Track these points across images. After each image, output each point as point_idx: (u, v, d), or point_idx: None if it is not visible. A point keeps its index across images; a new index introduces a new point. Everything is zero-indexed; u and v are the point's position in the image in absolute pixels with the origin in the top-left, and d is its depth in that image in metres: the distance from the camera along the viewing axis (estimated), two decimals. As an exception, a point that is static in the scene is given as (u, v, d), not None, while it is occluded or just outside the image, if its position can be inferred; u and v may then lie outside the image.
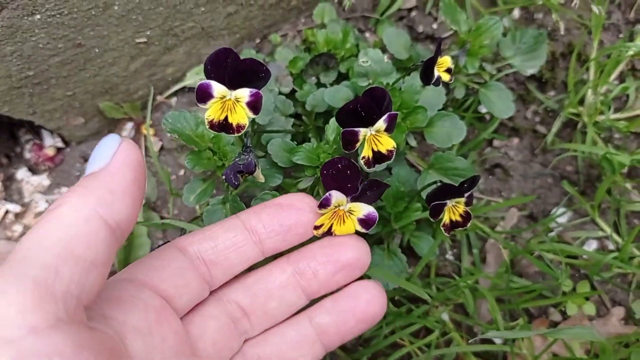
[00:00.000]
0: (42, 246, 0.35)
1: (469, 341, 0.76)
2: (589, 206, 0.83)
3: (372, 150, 0.57)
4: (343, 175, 0.52)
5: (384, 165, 0.66)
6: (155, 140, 0.89)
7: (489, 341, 0.78)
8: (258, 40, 0.90)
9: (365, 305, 0.53)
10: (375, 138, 0.56)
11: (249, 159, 0.59)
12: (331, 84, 0.78)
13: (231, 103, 0.52)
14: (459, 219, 0.59)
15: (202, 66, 0.88)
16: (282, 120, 0.75)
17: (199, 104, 0.51)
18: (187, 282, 0.49)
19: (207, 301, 0.52)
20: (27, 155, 0.90)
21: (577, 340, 0.79)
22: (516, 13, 0.90)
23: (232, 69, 0.50)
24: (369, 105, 0.53)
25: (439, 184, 0.59)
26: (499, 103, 0.76)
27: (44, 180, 0.88)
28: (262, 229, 0.53)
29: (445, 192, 0.56)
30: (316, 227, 0.55)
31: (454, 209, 0.58)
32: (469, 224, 0.59)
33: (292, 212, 0.53)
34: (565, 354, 0.77)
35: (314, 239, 0.55)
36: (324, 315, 0.54)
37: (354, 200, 0.55)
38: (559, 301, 0.78)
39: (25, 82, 0.74)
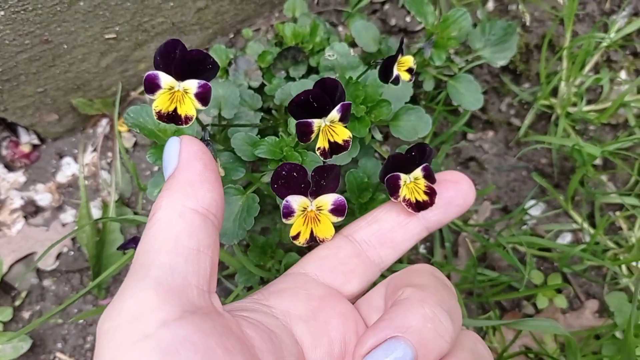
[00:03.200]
0: (153, 249, 0.39)
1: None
2: (561, 198, 0.82)
3: (328, 141, 0.57)
4: (291, 179, 0.52)
5: (345, 157, 0.66)
6: (129, 136, 0.89)
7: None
8: (232, 35, 0.90)
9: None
10: (331, 129, 0.56)
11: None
12: (300, 78, 0.78)
13: (180, 94, 0.52)
14: (424, 197, 0.58)
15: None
16: (250, 115, 0.75)
17: (147, 95, 0.51)
18: (354, 268, 0.52)
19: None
20: (4, 152, 0.90)
21: (547, 333, 0.78)
22: (490, 5, 0.90)
23: (179, 60, 0.50)
24: (320, 96, 0.53)
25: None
26: (468, 95, 0.75)
27: (19, 177, 0.89)
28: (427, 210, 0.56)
29: (395, 163, 0.56)
30: (294, 238, 0.55)
31: (415, 187, 0.57)
32: (435, 200, 0.57)
33: (450, 185, 0.57)
34: (536, 345, 0.77)
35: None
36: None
37: (314, 196, 0.55)
38: (530, 294, 0.78)
39: (-6, 79, 0.74)
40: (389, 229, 0.56)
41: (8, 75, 0.75)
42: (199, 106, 0.53)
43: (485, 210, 0.84)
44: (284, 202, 0.54)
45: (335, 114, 0.56)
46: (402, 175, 0.58)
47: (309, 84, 0.73)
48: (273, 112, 0.80)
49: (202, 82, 0.52)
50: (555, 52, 0.87)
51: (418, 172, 0.59)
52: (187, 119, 0.52)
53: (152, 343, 0.34)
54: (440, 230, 0.83)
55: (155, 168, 0.88)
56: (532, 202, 0.84)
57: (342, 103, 0.56)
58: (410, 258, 0.82)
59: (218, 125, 0.71)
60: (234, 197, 0.62)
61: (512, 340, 0.73)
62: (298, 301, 0.48)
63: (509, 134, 0.88)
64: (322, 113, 0.55)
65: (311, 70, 0.80)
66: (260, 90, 0.78)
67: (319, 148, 0.57)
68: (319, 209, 0.56)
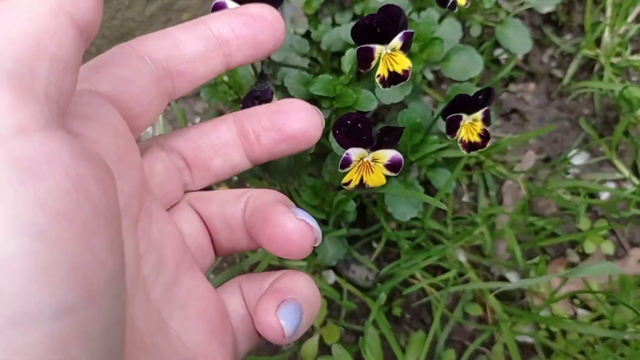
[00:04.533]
0: (9, 38, 0.28)
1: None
2: (606, 146, 0.82)
3: (388, 70, 0.57)
4: (355, 130, 0.53)
5: (399, 95, 0.67)
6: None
7: (507, 280, 0.78)
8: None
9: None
10: (391, 57, 0.57)
11: (266, 86, 0.59)
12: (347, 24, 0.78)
13: None
14: (477, 139, 0.59)
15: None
16: (298, 60, 0.75)
17: None
18: (151, 100, 0.42)
19: (151, 145, 0.46)
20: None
21: (595, 280, 0.78)
22: (532, -43, 0.90)
23: None
24: (385, 21, 0.53)
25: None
26: (516, 39, 0.75)
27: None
28: (234, 38, 0.45)
29: (460, 103, 0.56)
30: (345, 184, 0.55)
31: (471, 128, 0.58)
32: (487, 144, 0.58)
33: (265, 24, 0.46)
34: (583, 292, 0.77)
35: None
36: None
37: (373, 150, 0.55)
38: (577, 239, 0.78)
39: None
40: (192, 58, 0.44)
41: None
42: None
43: (528, 159, 0.84)
44: (344, 154, 0.54)
45: (397, 41, 0.56)
46: (464, 116, 0.58)
47: (358, 26, 0.73)
48: (318, 59, 0.80)
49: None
50: (598, 2, 0.86)
51: (478, 114, 0.59)
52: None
53: (4, 151, 0.25)
54: (484, 178, 0.83)
55: (197, 119, 0.88)
56: (575, 151, 0.84)
57: (404, 31, 0.56)
58: (454, 207, 0.82)
59: (269, 65, 0.71)
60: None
61: (559, 286, 0.73)
62: (105, 135, 0.37)
63: (550, 85, 0.88)
64: (385, 39, 0.55)
65: (356, 18, 0.80)
66: (306, 37, 0.79)
67: (378, 75, 0.57)
68: (374, 160, 0.56)
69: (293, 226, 0.39)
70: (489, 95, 0.57)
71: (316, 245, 0.40)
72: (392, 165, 0.55)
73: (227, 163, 0.49)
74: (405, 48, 0.58)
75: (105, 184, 0.29)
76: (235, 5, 0.52)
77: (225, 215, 0.47)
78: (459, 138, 0.59)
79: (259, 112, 0.48)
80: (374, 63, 0.57)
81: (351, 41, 0.71)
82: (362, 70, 0.57)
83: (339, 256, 0.73)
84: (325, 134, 0.65)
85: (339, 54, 0.79)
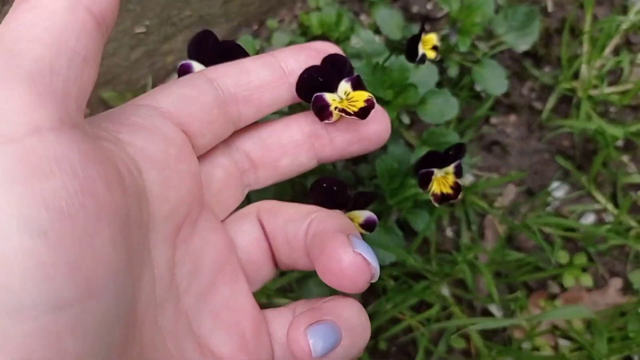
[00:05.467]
0: (27, 38, 0.29)
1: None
2: (584, 180, 0.84)
3: (352, 111, 0.56)
4: (331, 192, 0.54)
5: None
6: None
7: (490, 313, 0.80)
8: (256, 27, 0.92)
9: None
10: (348, 100, 0.56)
11: None
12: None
13: None
14: (449, 191, 0.60)
15: (201, 54, 0.90)
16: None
17: None
18: (214, 120, 0.44)
19: (217, 148, 0.47)
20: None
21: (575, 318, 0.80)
22: (510, -9, 0.91)
23: (212, 50, 0.51)
24: (324, 70, 0.50)
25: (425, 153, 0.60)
26: (493, 80, 0.77)
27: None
28: (299, 69, 0.47)
29: (431, 159, 0.58)
30: None
31: (443, 181, 0.60)
32: (459, 196, 0.60)
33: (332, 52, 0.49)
34: (563, 324, 0.78)
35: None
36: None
37: (349, 210, 0.57)
38: (556, 273, 0.80)
39: (30, 75, 0.76)
40: (258, 85, 0.46)
41: (43, 71, 0.77)
42: None
43: (509, 193, 0.86)
44: None
45: (344, 84, 0.51)
46: (435, 171, 0.60)
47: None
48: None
49: None
50: (576, 35, 0.88)
51: (450, 168, 0.61)
52: None
53: (17, 150, 0.26)
54: (466, 213, 0.85)
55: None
56: (556, 184, 0.85)
57: (350, 77, 0.54)
58: (437, 241, 0.84)
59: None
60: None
61: (540, 319, 0.75)
62: (154, 142, 0.39)
63: (530, 117, 0.90)
64: (331, 87, 0.50)
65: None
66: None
67: (349, 113, 0.55)
68: (350, 219, 0.58)
69: (349, 260, 0.37)
70: (459, 151, 0.59)
71: (373, 281, 0.38)
72: (367, 225, 0.57)
73: (295, 163, 0.49)
74: (357, 87, 0.55)
75: (113, 185, 0.30)
76: (200, 67, 0.53)
77: (287, 232, 0.46)
78: (431, 191, 0.60)
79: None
80: (332, 109, 0.55)
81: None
82: (321, 120, 0.54)
83: (322, 295, 0.75)
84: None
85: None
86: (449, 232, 0.86)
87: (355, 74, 0.54)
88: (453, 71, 0.80)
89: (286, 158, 0.49)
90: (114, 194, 0.30)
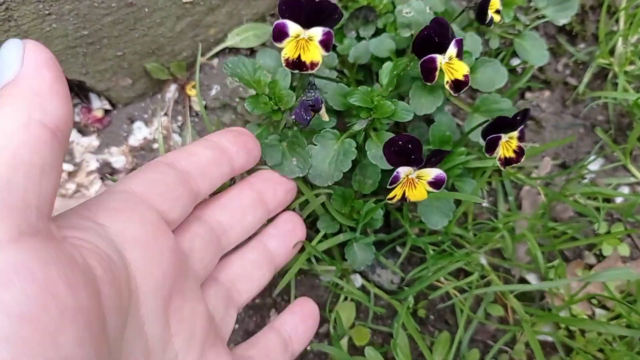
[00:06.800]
0: None
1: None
2: (620, 152, 0.85)
3: (450, 79, 0.60)
4: (406, 150, 0.56)
5: (431, 106, 0.69)
6: (198, 102, 0.92)
7: (527, 282, 0.82)
8: None
9: (300, 226, 0.67)
10: (450, 66, 0.59)
11: (316, 96, 0.62)
12: (370, 38, 0.81)
13: (304, 42, 0.55)
14: (512, 155, 0.62)
15: (242, 27, 0.91)
16: (326, 73, 0.79)
17: (275, 43, 0.55)
18: (179, 196, 0.51)
19: (189, 220, 0.55)
20: (76, 118, 0.94)
21: (612, 282, 0.82)
22: (546, -31, 0.93)
23: (306, 9, 0.53)
24: (440, 31, 0.57)
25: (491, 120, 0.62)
26: (534, 51, 0.78)
27: (93, 141, 0.92)
28: (232, 147, 0.59)
29: (500, 125, 0.59)
30: (390, 199, 0.59)
31: (507, 145, 0.61)
32: (522, 159, 0.61)
33: (249, 137, 0.62)
34: (601, 292, 0.80)
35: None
36: (272, 240, 0.65)
37: (420, 168, 0.58)
38: (594, 242, 0.81)
39: (80, 42, 0.78)
40: (206, 163, 0.56)
41: (93, 38, 0.78)
42: (323, 52, 0.56)
43: (545, 165, 0.87)
44: (395, 172, 0.58)
45: (452, 49, 0.59)
46: (502, 136, 0.62)
47: (385, 41, 0.76)
48: (344, 71, 0.83)
49: (327, 29, 0.56)
50: (612, 13, 0.89)
51: (514, 133, 0.63)
52: (313, 65, 0.56)
53: None
54: (503, 184, 0.86)
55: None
56: (591, 157, 0.87)
57: (456, 39, 0.59)
58: (475, 212, 0.85)
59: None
60: (329, 141, 0.66)
61: (579, 289, 0.76)
62: (132, 223, 0.44)
63: (565, 93, 0.91)
64: (442, 48, 0.58)
65: (379, 32, 0.83)
66: (332, 50, 0.82)
67: (447, 82, 0.60)
68: (419, 177, 0.60)
69: None
70: (526, 116, 0.60)
71: None
72: (435, 183, 0.58)
73: (255, 218, 0.62)
74: (459, 55, 0.61)
75: (75, 284, 0.32)
76: (294, 25, 0.55)
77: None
78: (498, 156, 0.62)
79: (266, 173, 0.65)
80: (437, 73, 0.60)
81: (380, 55, 0.74)
82: (427, 83, 0.60)
83: (367, 262, 0.76)
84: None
85: (364, 66, 0.82)
86: (486, 204, 0.87)
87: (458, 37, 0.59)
88: (494, 43, 0.81)
89: (249, 215, 0.60)
90: (78, 292, 0.32)
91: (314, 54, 0.55)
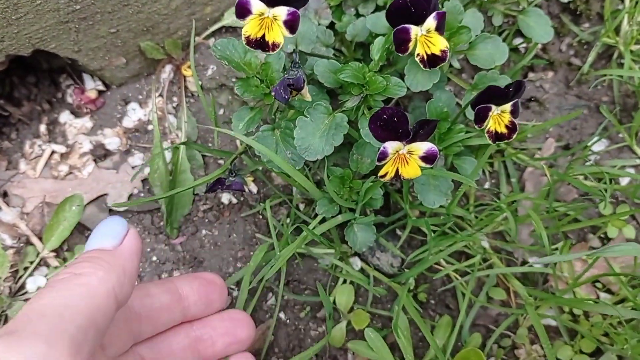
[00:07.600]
0: (77, 310, 0.42)
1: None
2: (626, 133, 0.84)
3: (426, 53, 0.58)
4: (392, 124, 0.54)
5: (427, 83, 0.67)
6: (193, 81, 0.90)
7: (530, 264, 0.80)
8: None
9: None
10: (427, 39, 0.58)
11: (298, 75, 0.60)
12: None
13: (269, 21, 0.53)
14: (504, 130, 0.60)
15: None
16: (323, 51, 0.77)
17: (237, 19, 0.52)
18: (119, 334, 0.55)
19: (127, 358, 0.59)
20: (69, 99, 0.91)
21: (617, 264, 0.80)
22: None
23: None
24: (417, 1, 0.54)
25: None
26: (538, 28, 0.76)
27: (86, 122, 0.90)
28: (192, 296, 0.63)
29: (491, 94, 0.57)
30: (382, 176, 0.57)
31: (499, 119, 0.59)
32: (514, 136, 0.59)
33: (216, 287, 0.65)
34: (605, 278, 0.78)
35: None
36: None
37: (409, 143, 0.56)
38: (599, 224, 0.79)
39: (72, 17, 0.75)
40: (159, 307, 0.60)
41: (85, 13, 0.76)
42: (287, 34, 0.54)
43: (549, 147, 0.85)
44: (381, 148, 0.56)
45: (431, 21, 0.57)
46: (493, 107, 0.60)
47: (383, 17, 0.74)
48: (342, 49, 0.81)
49: (292, 9, 0.53)
50: (617, -9, 0.88)
51: (507, 106, 0.60)
52: (275, 46, 0.54)
53: None
54: (505, 165, 0.84)
55: (220, 111, 0.89)
56: (596, 138, 0.85)
57: (437, 11, 0.57)
58: (476, 194, 0.83)
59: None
60: (321, 114, 0.64)
61: (584, 270, 0.75)
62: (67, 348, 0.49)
63: (569, 73, 0.89)
64: (419, 19, 0.56)
65: (379, 9, 0.81)
66: (330, 28, 0.80)
67: (418, 54, 0.58)
68: (410, 152, 0.57)
69: None
70: (519, 88, 0.58)
71: None
72: (427, 157, 0.56)
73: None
74: (440, 29, 0.59)
75: None
76: (261, 5, 0.53)
77: None
78: (487, 128, 0.60)
79: (214, 321, 0.64)
80: (411, 45, 0.58)
81: (377, 31, 0.72)
82: (399, 54, 0.58)
83: (368, 242, 0.74)
84: (349, 123, 0.66)
85: (363, 45, 0.80)
86: (488, 185, 0.85)
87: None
88: (497, 20, 0.79)
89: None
90: None
91: (277, 34, 0.53)
